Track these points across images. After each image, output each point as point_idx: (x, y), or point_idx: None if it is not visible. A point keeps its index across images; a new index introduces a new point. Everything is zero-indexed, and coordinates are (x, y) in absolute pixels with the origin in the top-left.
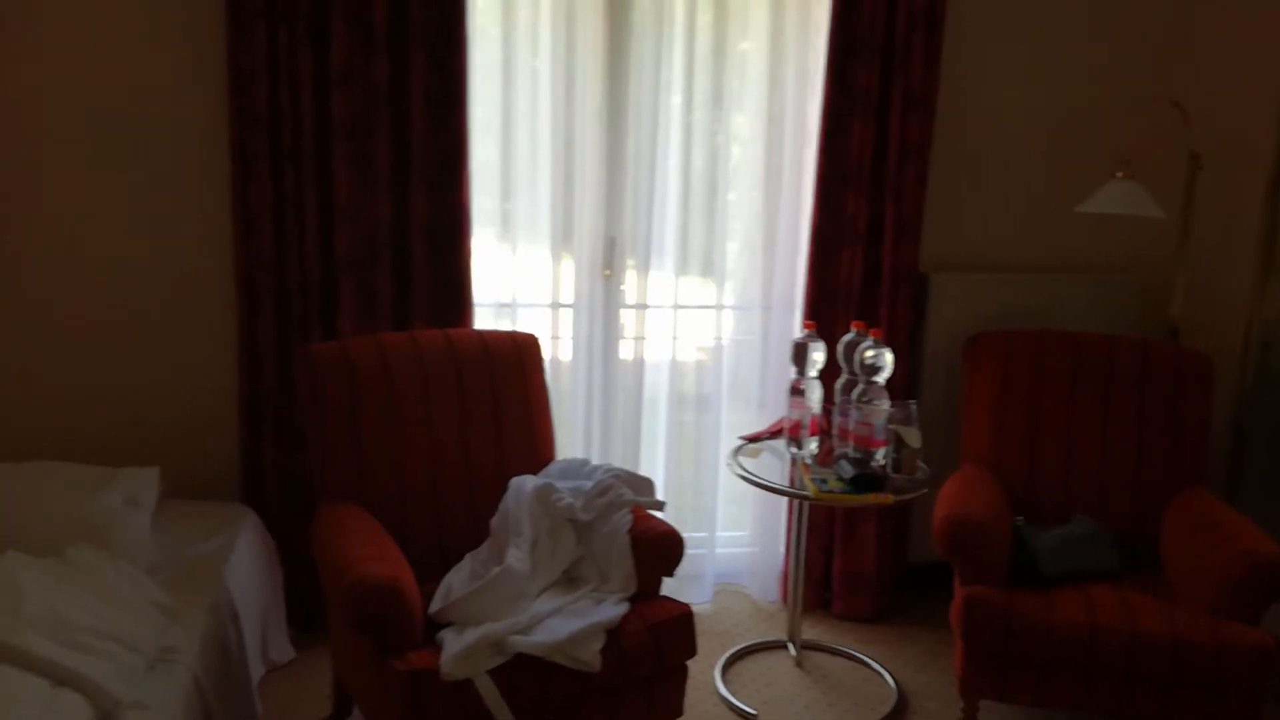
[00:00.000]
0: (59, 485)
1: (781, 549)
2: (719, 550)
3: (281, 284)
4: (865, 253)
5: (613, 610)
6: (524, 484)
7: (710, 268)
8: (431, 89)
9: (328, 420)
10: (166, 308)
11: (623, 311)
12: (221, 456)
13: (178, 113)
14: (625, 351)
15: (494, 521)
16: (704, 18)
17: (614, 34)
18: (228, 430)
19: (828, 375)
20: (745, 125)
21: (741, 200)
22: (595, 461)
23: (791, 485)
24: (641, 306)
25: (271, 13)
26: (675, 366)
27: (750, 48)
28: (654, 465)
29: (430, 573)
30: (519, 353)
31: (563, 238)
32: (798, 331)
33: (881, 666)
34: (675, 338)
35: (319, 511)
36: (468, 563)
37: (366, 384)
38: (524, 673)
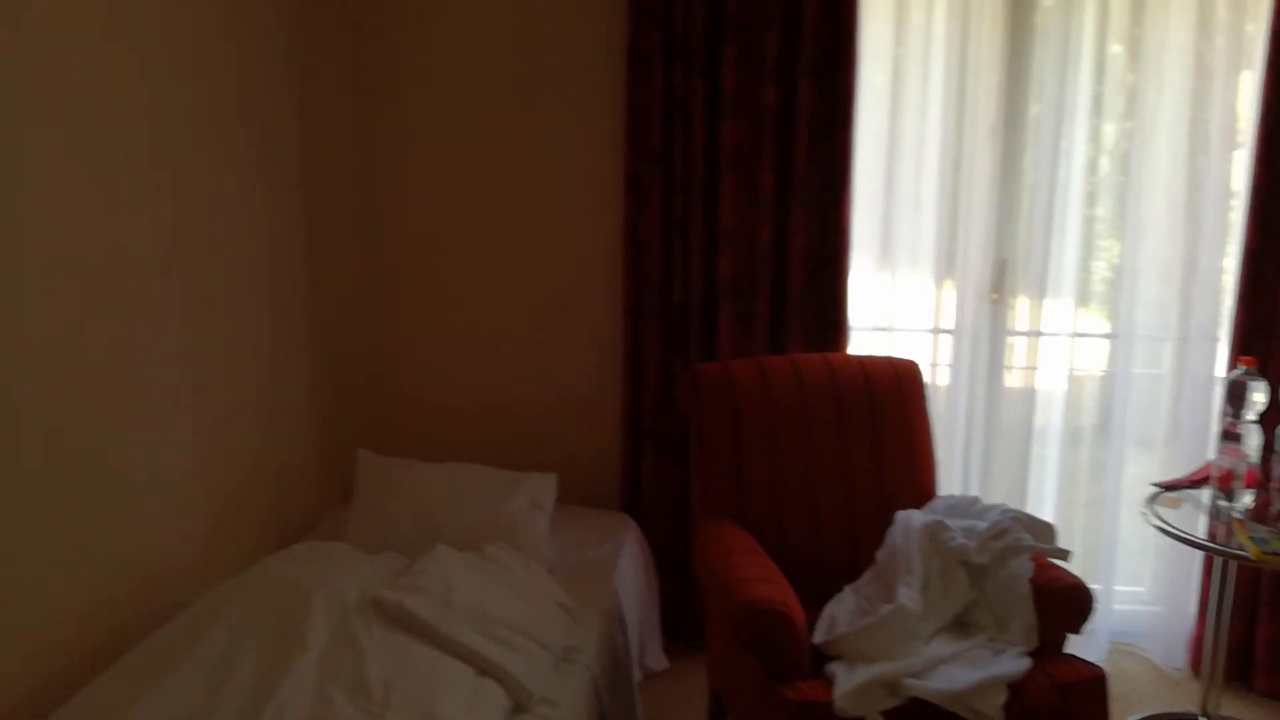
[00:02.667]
0: (476, 486)
1: (1192, 610)
2: (1115, 606)
3: (665, 305)
4: None
5: (1014, 664)
6: (912, 519)
7: (1113, 292)
8: (817, 113)
9: (710, 438)
10: (569, 326)
11: (1008, 338)
12: (607, 467)
13: (584, 147)
14: (1011, 380)
15: (880, 555)
16: (1118, 15)
17: (1013, 44)
18: (613, 442)
19: (1268, 419)
20: (1160, 133)
21: (1153, 218)
22: (976, 497)
23: (1214, 540)
24: (1033, 334)
25: (668, 50)
26: (1068, 399)
27: (1171, 43)
28: (1040, 506)
29: (806, 600)
30: (899, 379)
31: (946, 260)
32: (1220, 366)
33: None
34: (1071, 368)
35: (699, 526)
36: (849, 595)
37: (748, 404)
38: (916, 718)
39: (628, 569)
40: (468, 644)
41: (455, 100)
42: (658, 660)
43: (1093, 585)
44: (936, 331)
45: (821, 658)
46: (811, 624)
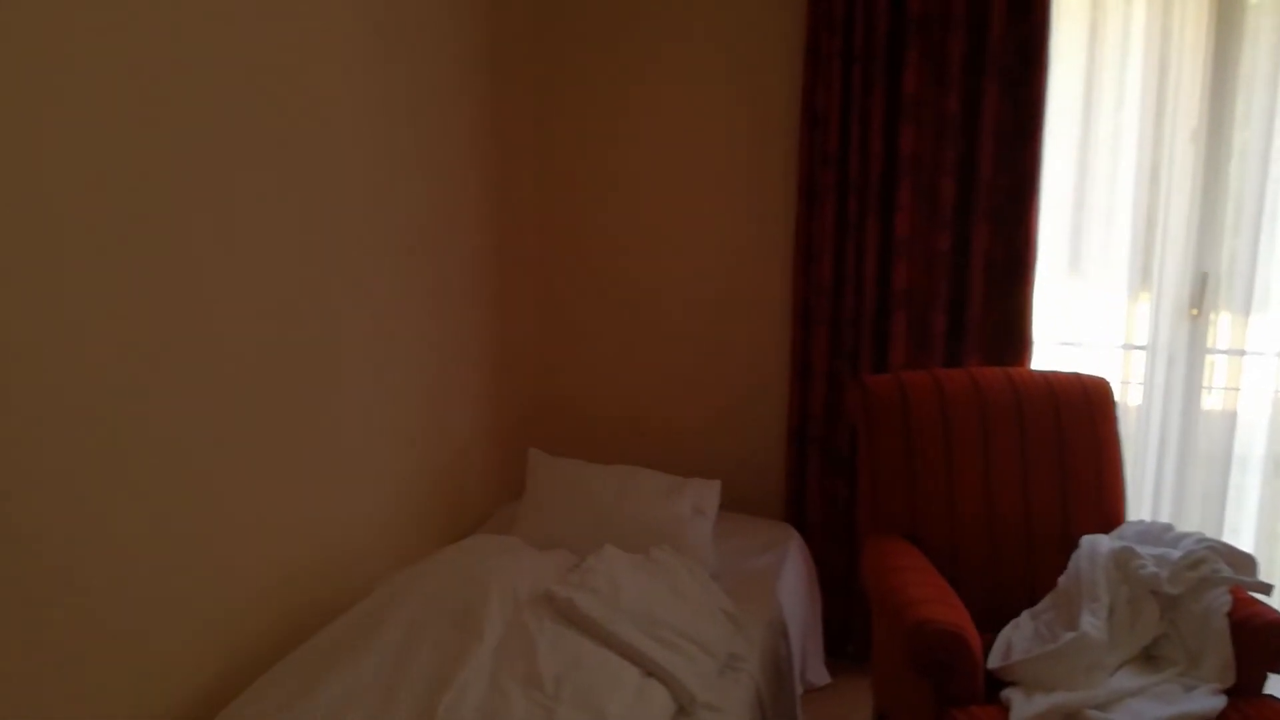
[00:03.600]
0: (642, 489)
1: None
2: None
3: (835, 314)
4: None
5: (1208, 702)
6: (1098, 544)
7: None
8: (1003, 119)
9: (880, 452)
10: (733, 332)
11: (1208, 356)
12: (770, 475)
13: (756, 152)
14: (1209, 402)
15: (1062, 580)
16: None
17: (1218, 44)
18: (777, 451)
19: None
20: None
21: None
22: (1169, 524)
23: None
24: (1235, 352)
25: (847, 52)
26: (1274, 423)
27: None
28: (1237, 537)
29: (980, 622)
30: (1088, 398)
31: (1141, 272)
32: None
33: None
34: (1278, 390)
35: (868, 542)
36: (1028, 621)
37: (921, 418)
38: None
39: (791, 580)
40: (634, 644)
41: (629, 104)
42: (819, 675)
43: None
44: (1128, 348)
45: (995, 684)
46: (986, 648)
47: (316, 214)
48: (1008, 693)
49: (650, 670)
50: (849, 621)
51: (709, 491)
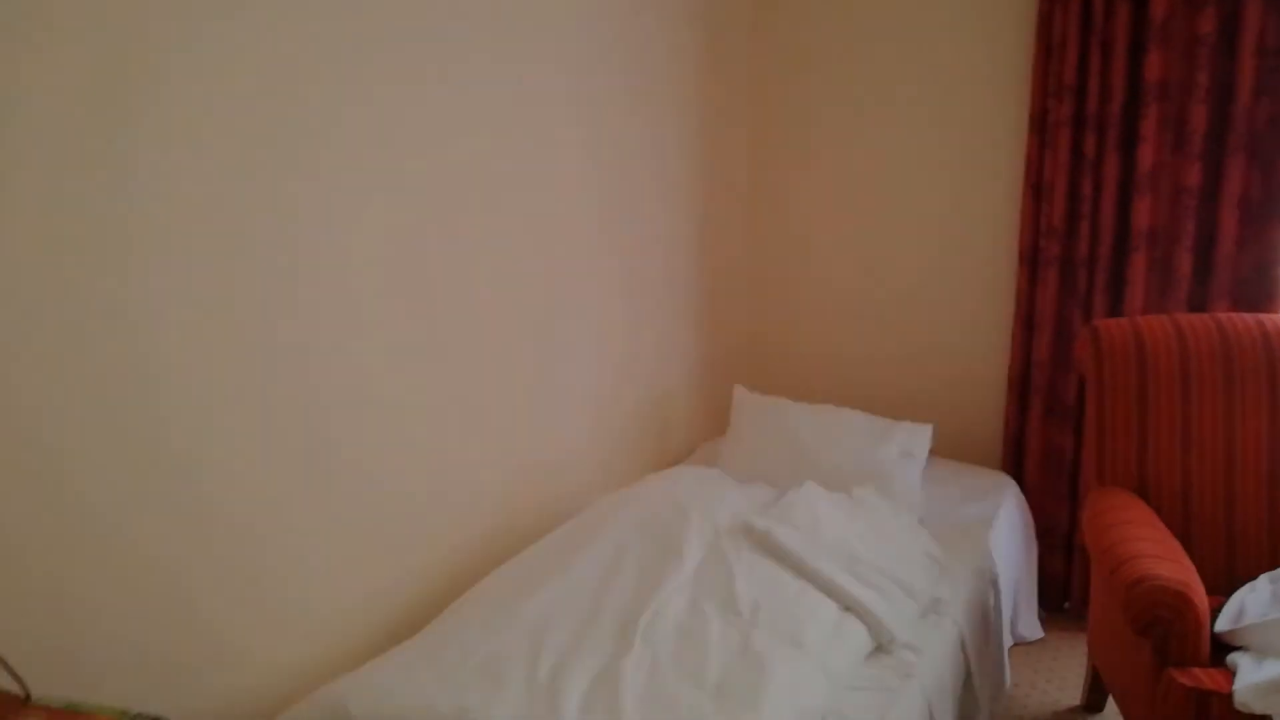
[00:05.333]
0: (846, 430)
1: None
2: None
3: (1067, 255)
4: None
5: None
6: None
7: None
8: (1266, 38)
9: (1110, 402)
10: (950, 273)
11: None
12: (986, 422)
13: (979, 83)
14: None
15: None
16: None
17: None
18: (995, 398)
19: None
20: None
21: None
22: None
23: None
24: None
25: None
26: None
27: None
28: None
29: (1213, 585)
30: None
31: None
32: None
33: None
34: None
35: (1091, 496)
36: (1265, 584)
37: (1157, 367)
38: None
39: (1004, 530)
40: (833, 579)
41: (849, 32)
42: (1031, 629)
43: None
44: None
45: (1223, 648)
46: (1215, 611)
47: (538, 173)
48: (1235, 656)
49: (848, 605)
50: (1067, 577)
51: (919, 435)
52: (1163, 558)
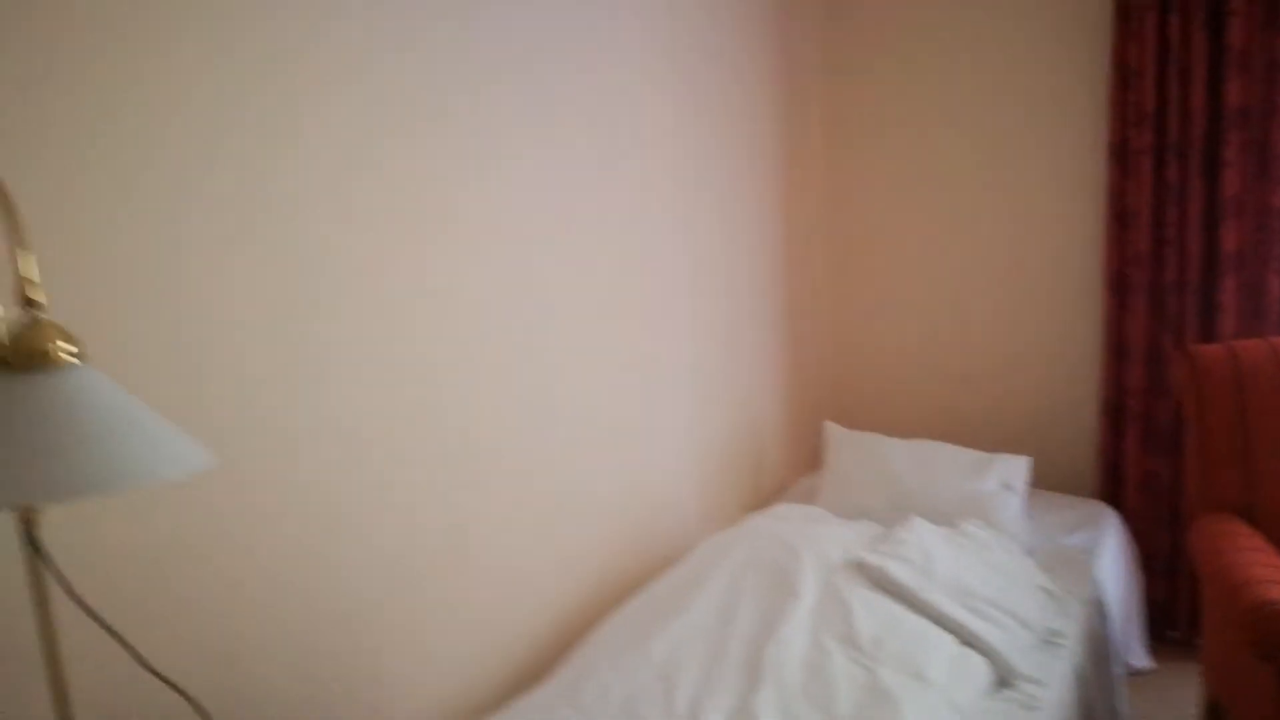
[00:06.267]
0: (945, 464)
1: None
2: None
3: (1155, 281)
4: None
5: None
6: None
7: None
8: None
9: (1210, 426)
10: (1037, 303)
11: None
12: (1079, 451)
13: (1056, 111)
14: None
15: None
16: None
17: None
18: (1086, 426)
19: None
20: None
21: None
22: None
23: None
24: None
25: (1164, 2)
26: None
27: None
28: None
29: None
30: None
31: None
32: None
33: None
34: None
35: (1197, 522)
36: None
37: (1257, 390)
38: None
39: (1108, 560)
40: (950, 613)
41: (925, 62)
42: (1140, 659)
43: None
44: None
45: None
46: None
47: (634, 210)
48: None
49: (966, 640)
50: (1171, 605)
51: (1016, 468)
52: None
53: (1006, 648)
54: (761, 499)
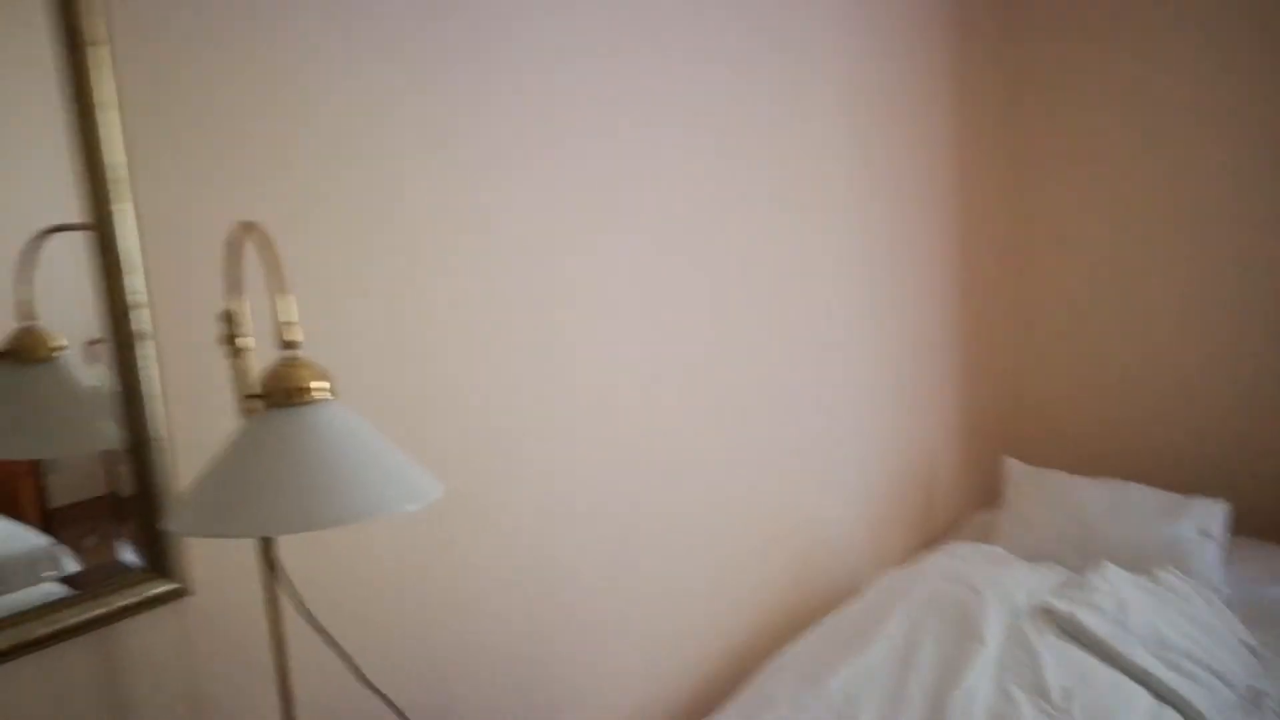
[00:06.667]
0: (1135, 505)
1: None
2: None
3: None
4: None
5: None
6: None
7: None
8: None
9: None
10: (1233, 329)
11: None
12: None
13: (1268, 139)
14: None
15: None
16: None
17: None
18: None
19: None
20: None
21: None
22: None
23: None
24: None
25: None
26: None
27: None
28: None
29: None
30: None
31: None
32: None
33: None
34: None
35: None
36: None
37: None
38: None
39: None
40: (1145, 667)
41: (1117, 81)
42: None
43: None
44: None
45: None
46: None
47: (814, 252)
48: None
49: (1163, 696)
50: None
51: (1214, 512)
52: None
53: (1206, 706)
54: (931, 535)
